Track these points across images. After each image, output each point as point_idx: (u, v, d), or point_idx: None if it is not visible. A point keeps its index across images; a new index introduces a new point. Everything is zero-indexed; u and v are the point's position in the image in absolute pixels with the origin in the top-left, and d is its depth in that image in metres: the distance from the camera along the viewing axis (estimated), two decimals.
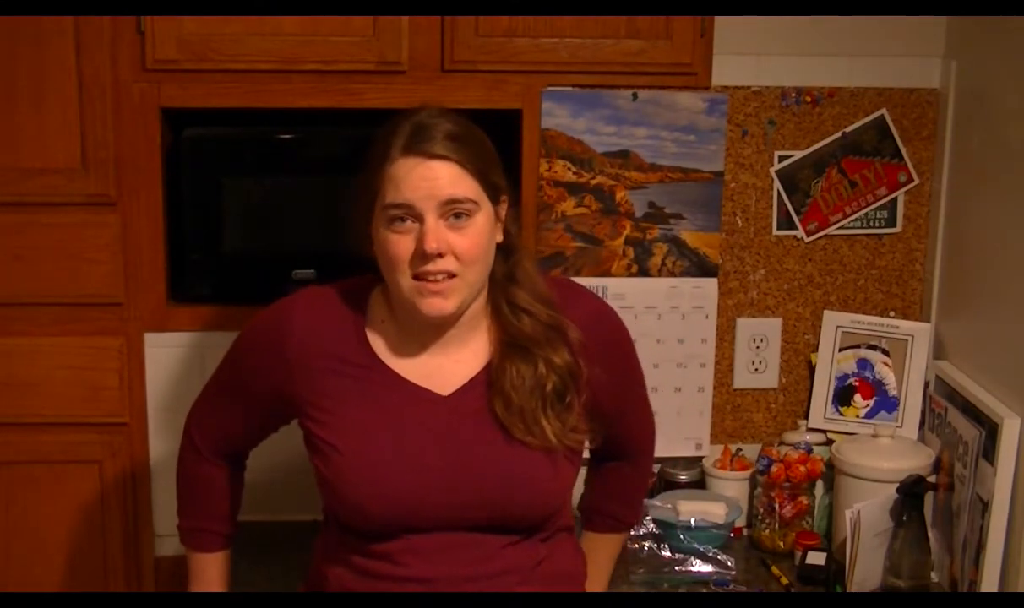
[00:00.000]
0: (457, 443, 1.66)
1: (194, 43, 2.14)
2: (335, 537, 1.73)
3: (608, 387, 1.75)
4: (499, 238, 1.68)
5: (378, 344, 1.70)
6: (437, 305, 1.62)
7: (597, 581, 1.94)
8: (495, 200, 1.66)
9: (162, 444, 2.30)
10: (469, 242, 1.61)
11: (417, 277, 1.60)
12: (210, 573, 1.89)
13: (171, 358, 2.31)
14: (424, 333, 1.68)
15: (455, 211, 1.60)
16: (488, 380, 1.69)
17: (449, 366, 1.70)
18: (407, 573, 1.65)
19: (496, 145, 2.27)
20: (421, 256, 1.59)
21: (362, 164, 1.66)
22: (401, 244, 1.60)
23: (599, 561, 1.95)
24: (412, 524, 1.64)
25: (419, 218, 1.59)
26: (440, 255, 1.59)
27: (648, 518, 2.32)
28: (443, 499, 1.64)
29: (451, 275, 1.61)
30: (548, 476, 1.68)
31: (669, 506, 2.32)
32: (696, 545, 2.28)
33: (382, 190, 1.61)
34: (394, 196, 1.60)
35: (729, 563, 2.25)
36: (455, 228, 1.60)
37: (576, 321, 1.71)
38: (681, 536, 2.29)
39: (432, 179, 1.59)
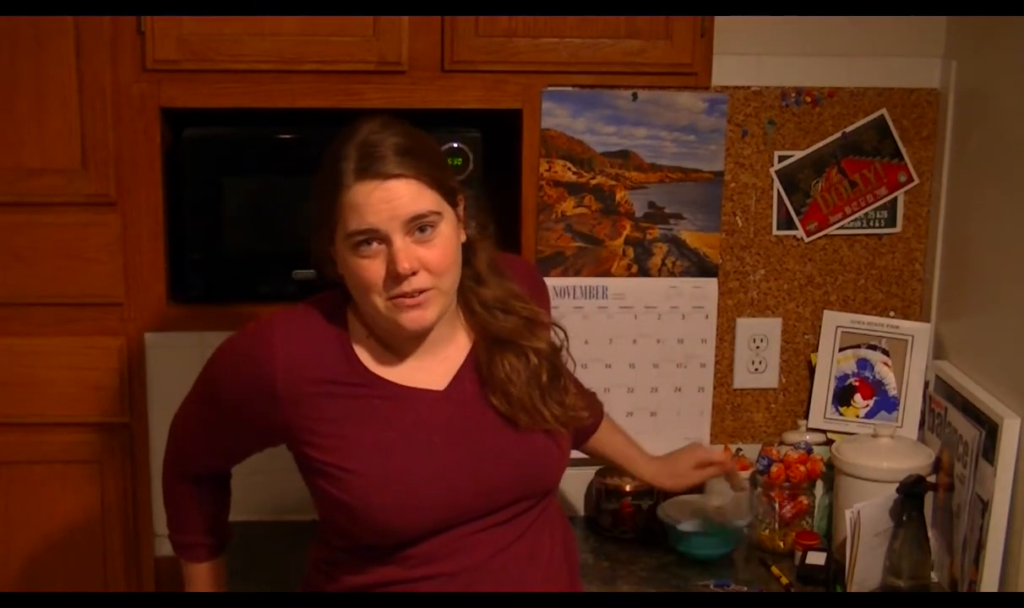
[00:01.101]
0: (467, 434, 1.67)
1: (194, 43, 2.14)
2: (340, 555, 1.70)
3: None
4: (462, 238, 1.68)
5: (367, 358, 1.68)
6: (417, 318, 1.61)
7: (637, 452, 2.17)
8: (453, 203, 1.65)
9: (162, 444, 2.28)
10: (439, 253, 1.60)
11: (392, 297, 1.60)
12: (204, 580, 1.90)
13: (171, 358, 2.30)
14: (407, 343, 1.68)
15: (420, 225, 1.59)
16: (476, 367, 1.70)
17: (437, 364, 1.70)
18: (433, 571, 1.65)
19: (496, 145, 2.28)
20: (394, 277, 1.58)
21: (313, 190, 1.64)
22: (371, 268, 1.59)
23: (621, 440, 2.15)
24: (441, 526, 1.64)
25: (385, 240, 1.58)
26: (414, 272, 1.58)
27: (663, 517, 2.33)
28: (468, 495, 1.64)
29: (426, 289, 1.60)
30: (556, 449, 1.72)
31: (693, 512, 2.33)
32: (707, 550, 2.28)
33: (342, 218, 1.59)
34: (357, 223, 1.57)
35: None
36: (422, 242, 1.59)
37: (516, 277, 1.76)
38: (690, 538, 2.29)
39: (392, 200, 1.57)
